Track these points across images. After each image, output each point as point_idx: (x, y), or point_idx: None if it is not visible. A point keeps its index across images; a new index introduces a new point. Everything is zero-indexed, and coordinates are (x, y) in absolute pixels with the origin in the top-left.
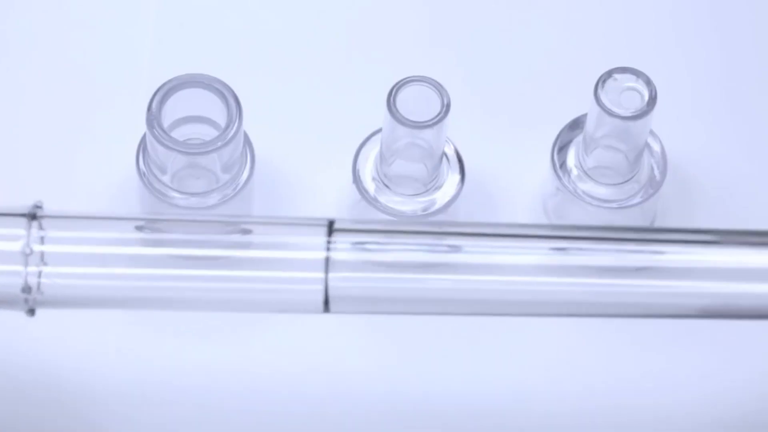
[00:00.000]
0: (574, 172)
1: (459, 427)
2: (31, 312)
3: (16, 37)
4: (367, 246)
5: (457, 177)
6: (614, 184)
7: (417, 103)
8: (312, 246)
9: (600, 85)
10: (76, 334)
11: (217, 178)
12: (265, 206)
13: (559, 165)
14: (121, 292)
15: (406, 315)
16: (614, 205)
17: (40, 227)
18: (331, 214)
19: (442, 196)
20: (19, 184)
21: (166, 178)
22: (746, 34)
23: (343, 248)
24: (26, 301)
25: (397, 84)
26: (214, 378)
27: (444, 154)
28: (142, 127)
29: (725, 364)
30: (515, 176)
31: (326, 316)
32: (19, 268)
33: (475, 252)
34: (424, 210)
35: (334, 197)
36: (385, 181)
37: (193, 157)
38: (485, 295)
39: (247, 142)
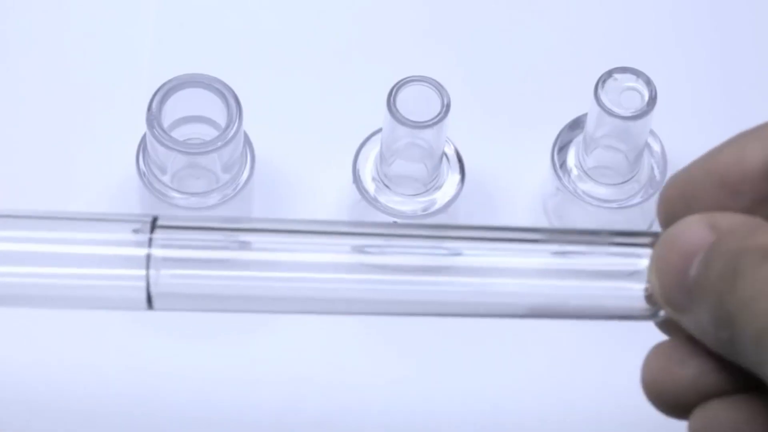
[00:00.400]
0: (574, 172)
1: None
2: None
3: (16, 37)
4: (189, 242)
5: (457, 177)
6: (614, 184)
7: (417, 103)
8: (131, 243)
9: (600, 85)
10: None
11: (217, 178)
12: (265, 206)
13: (559, 165)
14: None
15: (230, 313)
16: (614, 205)
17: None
18: (331, 214)
19: (442, 196)
20: (19, 184)
21: (166, 178)
22: (746, 35)
23: (162, 245)
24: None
25: (397, 84)
26: (209, 383)
27: (444, 154)
28: (142, 127)
29: None
30: (515, 176)
31: (320, 320)
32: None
33: (267, 249)
34: (424, 210)
35: (334, 197)
36: (385, 181)
37: (193, 157)
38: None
39: (247, 142)
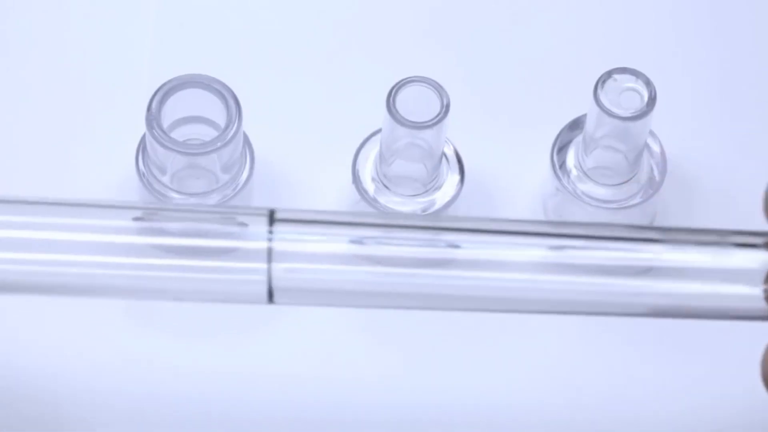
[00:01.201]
0: (574, 172)
1: (457, 424)
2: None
3: (16, 37)
4: (309, 236)
5: (456, 177)
6: (614, 185)
7: (417, 104)
8: (255, 236)
9: (600, 85)
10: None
11: (217, 178)
12: (264, 206)
13: (559, 165)
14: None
15: (348, 307)
16: (614, 205)
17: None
18: None
19: (441, 197)
20: (18, 184)
21: (165, 179)
22: (746, 35)
23: (285, 238)
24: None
25: (396, 84)
26: (213, 381)
27: (444, 154)
28: (141, 128)
29: (724, 370)
30: (515, 176)
31: (321, 315)
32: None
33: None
34: (424, 210)
35: (333, 197)
36: (384, 181)
37: (192, 157)
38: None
39: (247, 142)
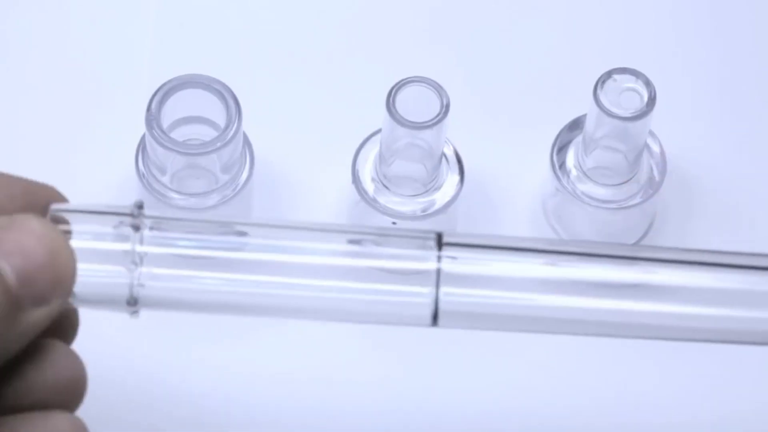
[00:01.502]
0: (574, 172)
1: (457, 425)
2: (135, 313)
3: (15, 37)
4: (472, 259)
5: (456, 177)
6: (614, 185)
7: (416, 104)
8: (422, 258)
9: (599, 85)
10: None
11: (217, 178)
12: (264, 206)
13: (559, 165)
14: (224, 296)
15: (511, 332)
16: (614, 205)
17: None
18: (330, 215)
19: (441, 197)
20: None
21: (165, 179)
22: (746, 35)
23: (453, 261)
24: (130, 303)
25: (396, 84)
26: (213, 383)
27: (443, 154)
28: (141, 128)
29: (727, 385)
30: (515, 177)
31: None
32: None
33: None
34: (424, 211)
35: (333, 197)
36: (384, 181)
37: (192, 157)
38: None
39: (247, 142)
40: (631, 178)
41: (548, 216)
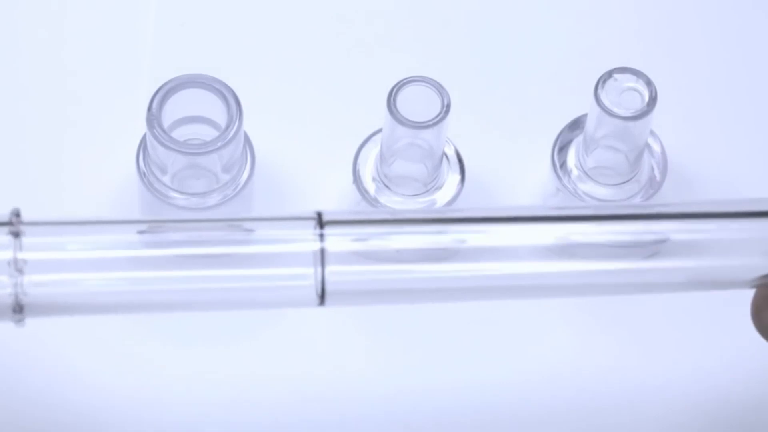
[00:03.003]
0: (575, 172)
1: (457, 424)
2: (21, 321)
3: (16, 37)
4: (359, 237)
5: (457, 177)
6: (614, 185)
7: (417, 104)
8: (303, 239)
9: (600, 85)
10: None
11: (218, 178)
12: (265, 206)
13: (560, 165)
14: (109, 297)
15: (398, 305)
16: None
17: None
18: None
19: (442, 197)
20: (18, 184)
21: (166, 179)
22: (746, 34)
23: (335, 240)
24: (15, 310)
25: (397, 84)
26: (208, 381)
27: (444, 154)
28: (142, 127)
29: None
30: (515, 176)
31: (322, 317)
32: (5, 278)
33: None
34: None
35: (334, 197)
36: (385, 181)
37: (193, 157)
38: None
39: (247, 142)
40: (631, 178)
41: None
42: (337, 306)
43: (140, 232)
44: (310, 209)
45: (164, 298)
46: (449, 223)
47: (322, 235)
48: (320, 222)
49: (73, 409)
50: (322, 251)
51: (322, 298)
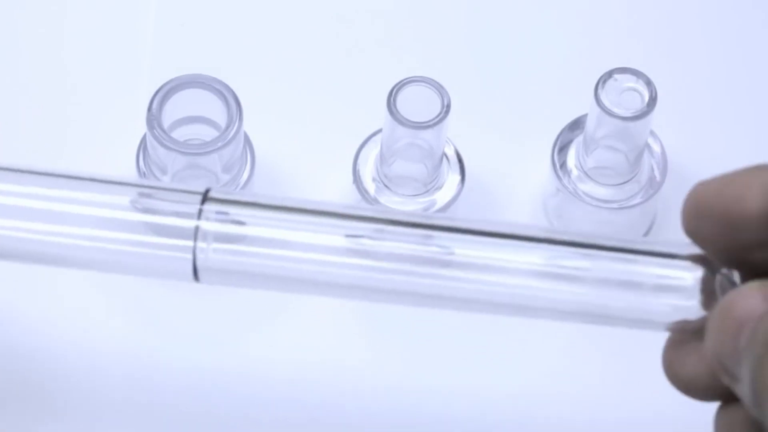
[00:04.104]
0: (575, 172)
1: (457, 425)
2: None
3: (15, 37)
4: (239, 217)
5: (457, 177)
6: (614, 185)
7: (417, 104)
8: (184, 214)
9: (600, 85)
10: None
11: (218, 178)
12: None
13: (560, 165)
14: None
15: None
16: (615, 205)
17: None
18: None
19: (442, 197)
20: None
21: (166, 179)
22: (746, 34)
23: (213, 218)
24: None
25: (397, 84)
26: (207, 378)
27: (444, 154)
28: (142, 127)
29: None
30: (515, 176)
31: (321, 315)
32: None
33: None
34: (425, 210)
35: (334, 198)
36: (385, 181)
37: (193, 157)
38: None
39: (247, 142)
40: (632, 178)
41: (549, 216)
42: (213, 284)
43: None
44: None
45: (58, 252)
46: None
47: (200, 211)
48: (204, 198)
49: (68, 398)
50: (196, 228)
51: (195, 273)
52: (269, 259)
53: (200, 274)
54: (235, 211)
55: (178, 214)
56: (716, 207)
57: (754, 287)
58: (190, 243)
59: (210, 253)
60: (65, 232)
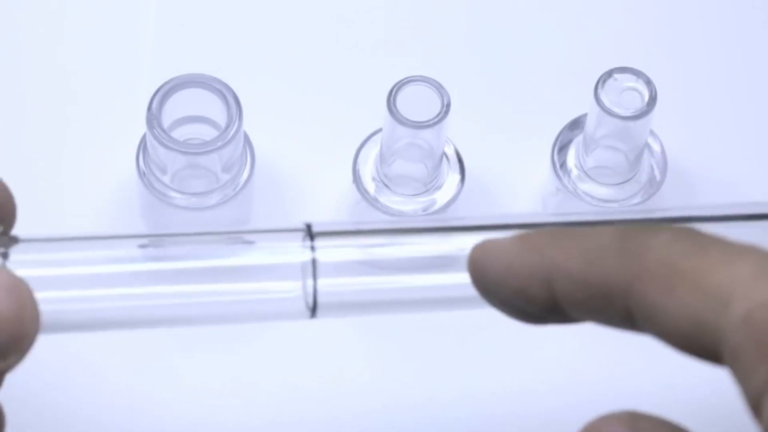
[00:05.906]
0: (574, 172)
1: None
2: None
3: (16, 37)
4: (349, 248)
5: (457, 177)
6: (614, 184)
7: (417, 103)
8: (294, 251)
9: (600, 85)
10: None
11: (218, 178)
12: (265, 206)
13: (559, 165)
14: (109, 313)
15: (392, 315)
16: (614, 205)
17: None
18: (331, 214)
19: (442, 196)
20: (18, 184)
21: (166, 178)
22: (746, 34)
23: (327, 252)
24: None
25: (397, 84)
26: (202, 391)
27: (444, 154)
28: (142, 127)
29: None
30: (515, 176)
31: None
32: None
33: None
34: (425, 210)
35: (334, 197)
36: (385, 181)
37: (193, 157)
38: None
39: (247, 142)
40: (631, 178)
41: None
42: (329, 317)
43: (142, 246)
44: (300, 221)
45: (155, 313)
46: (446, 232)
47: (312, 247)
48: (310, 233)
49: (68, 411)
50: (314, 261)
51: (313, 310)
52: (383, 284)
53: (318, 309)
54: (340, 243)
55: (287, 252)
56: (500, 292)
57: (621, 417)
58: (299, 283)
59: (323, 287)
60: (184, 291)
